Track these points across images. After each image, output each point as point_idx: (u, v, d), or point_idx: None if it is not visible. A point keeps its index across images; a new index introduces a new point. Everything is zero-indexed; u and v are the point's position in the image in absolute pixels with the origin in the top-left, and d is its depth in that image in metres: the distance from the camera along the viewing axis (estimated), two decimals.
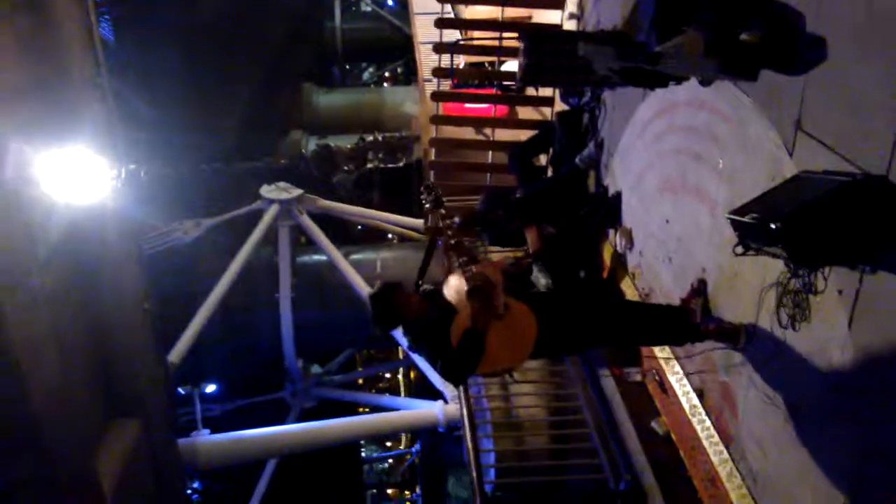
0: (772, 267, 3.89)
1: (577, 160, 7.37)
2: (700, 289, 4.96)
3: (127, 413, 7.12)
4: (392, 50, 27.73)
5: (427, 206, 5.33)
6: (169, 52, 18.10)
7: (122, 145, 6.94)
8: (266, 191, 14.30)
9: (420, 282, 4.87)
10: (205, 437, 10.78)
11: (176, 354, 11.19)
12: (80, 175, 5.55)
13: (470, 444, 6.50)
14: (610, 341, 5.62)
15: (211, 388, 15.78)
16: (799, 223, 3.00)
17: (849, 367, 3.37)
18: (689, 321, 4.74)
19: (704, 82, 4.61)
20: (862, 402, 3.31)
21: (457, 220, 7.70)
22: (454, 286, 4.31)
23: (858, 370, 3.31)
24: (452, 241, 4.55)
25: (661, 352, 5.72)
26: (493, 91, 9.52)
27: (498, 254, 8.01)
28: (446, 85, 9.47)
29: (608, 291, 6.72)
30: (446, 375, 4.30)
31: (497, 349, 4.04)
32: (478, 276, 4.13)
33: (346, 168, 18.32)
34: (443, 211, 5.10)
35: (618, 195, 6.60)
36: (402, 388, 24.69)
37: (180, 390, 14.91)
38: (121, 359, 7.00)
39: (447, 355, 4.04)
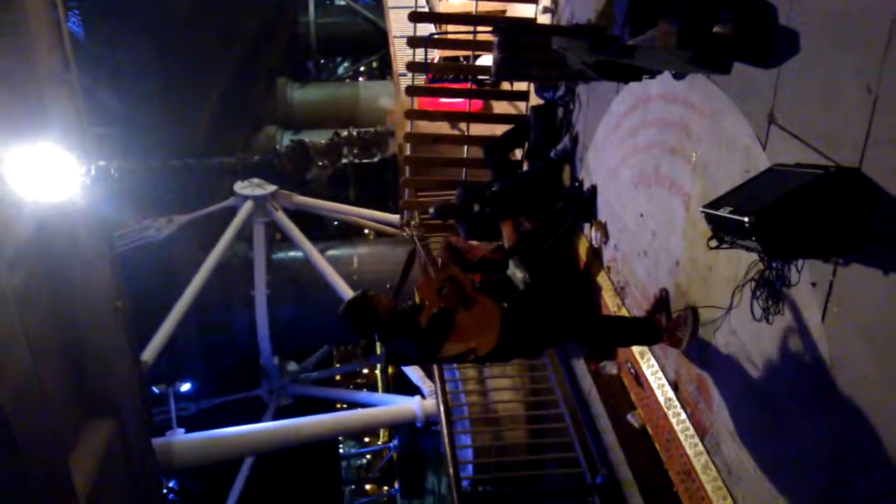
0: (745, 260, 3.90)
1: (552, 154, 7.37)
2: (663, 298, 5.06)
3: (101, 413, 7.02)
4: (367, 44, 27.59)
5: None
6: (140, 46, 17.87)
7: (91, 141, 6.84)
8: (240, 187, 14.17)
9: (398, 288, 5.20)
10: (180, 436, 10.72)
11: (150, 353, 11.10)
12: (49, 172, 5.46)
13: (446, 440, 6.50)
14: (576, 341, 6.27)
15: (186, 387, 15.66)
16: (772, 217, 3.01)
17: (822, 359, 3.40)
18: (656, 330, 5.03)
19: (678, 76, 4.61)
20: (835, 392, 3.33)
21: (432, 210, 7.72)
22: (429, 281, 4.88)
23: (831, 361, 3.34)
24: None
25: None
26: (468, 86, 9.50)
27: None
28: (421, 79, 9.43)
29: (583, 290, 6.74)
30: (419, 353, 4.81)
31: (465, 328, 4.55)
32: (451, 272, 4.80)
33: (320, 163, 18.18)
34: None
35: (593, 189, 6.60)
36: (379, 384, 24.63)
37: (155, 389, 14.79)
38: (94, 358, 6.90)
39: (419, 335, 4.57)
